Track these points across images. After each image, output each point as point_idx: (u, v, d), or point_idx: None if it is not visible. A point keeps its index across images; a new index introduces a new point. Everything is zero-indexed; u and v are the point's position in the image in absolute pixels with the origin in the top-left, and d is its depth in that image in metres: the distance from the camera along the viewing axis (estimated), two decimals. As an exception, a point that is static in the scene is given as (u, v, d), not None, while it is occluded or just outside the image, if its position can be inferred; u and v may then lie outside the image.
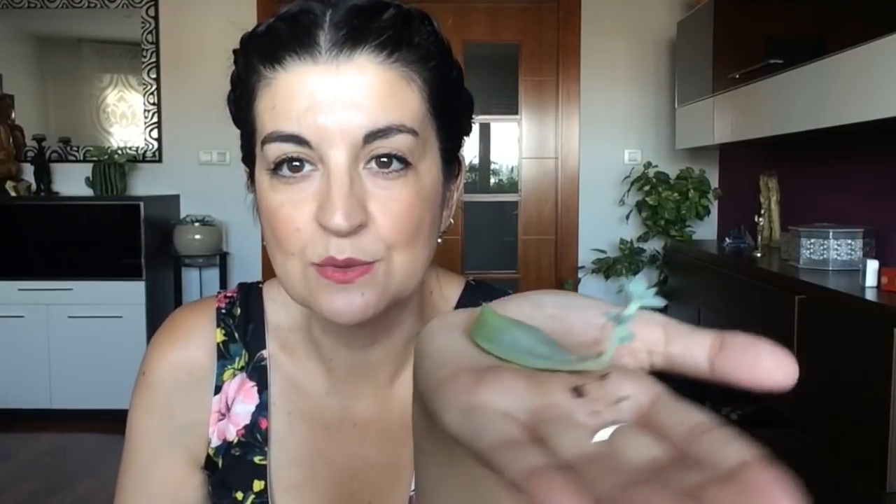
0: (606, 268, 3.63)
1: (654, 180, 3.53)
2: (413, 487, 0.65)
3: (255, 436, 0.68)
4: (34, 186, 3.72)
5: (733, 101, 2.78)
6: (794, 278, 2.11)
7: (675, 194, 3.46)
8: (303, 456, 0.68)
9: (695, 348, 0.29)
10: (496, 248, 3.98)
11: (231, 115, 0.62)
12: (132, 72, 3.80)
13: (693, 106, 3.21)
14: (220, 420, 0.68)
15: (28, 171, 3.75)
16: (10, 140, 3.71)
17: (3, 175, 3.64)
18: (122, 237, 3.46)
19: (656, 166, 3.62)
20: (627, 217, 3.72)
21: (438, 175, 0.59)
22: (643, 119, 3.79)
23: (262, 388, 0.68)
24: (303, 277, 0.56)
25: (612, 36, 3.74)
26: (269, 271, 0.59)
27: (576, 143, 3.78)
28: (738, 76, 2.67)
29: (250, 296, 0.72)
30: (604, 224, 3.78)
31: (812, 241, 2.25)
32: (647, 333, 0.30)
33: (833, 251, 2.20)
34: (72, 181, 3.78)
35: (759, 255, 2.66)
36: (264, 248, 0.60)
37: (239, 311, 0.71)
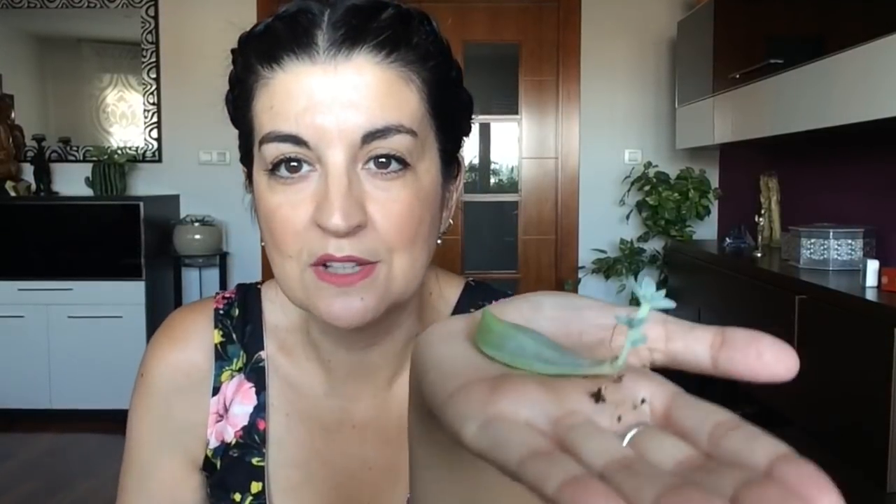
0: (607, 268, 3.63)
1: (655, 180, 3.53)
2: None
3: (253, 437, 0.68)
4: (34, 186, 3.72)
5: (733, 101, 2.78)
6: (794, 278, 2.11)
7: (676, 194, 3.46)
8: (301, 457, 0.68)
9: (696, 344, 0.29)
10: (496, 248, 3.98)
11: (229, 116, 0.62)
12: (132, 72, 3.80)
13: (693, 106, 3.21)
14: (217, 421, 0.68)
15: (28, 171, 3.75)
16: (10, 140, 3.71)
17: (3, 175, 3.64)
18: (122, 237, 3.45)
19: (656, 166, 3.62)
20: (627, 217, 3.72)
21: (437, 176, 0.58)
22: (643, 119, 3.78)
23: (260, 389, 0.68)
24: (301, 280, 0.55)
25: (613, 36, 3.74)
26: (269, 272, 0.59)
27: (576, 143, 3.78)
28: (738, 76, 2.67)
29: (248, 297, 0.71)
30: (604, 224, 3.78)
31: (812, 241, 2.24)
32: (648, 331, 0.30)
33: (833, 251, 2.20)
34: (72, 181, 3.78)
35: (759, 255, 2.66)
36: (264, 249, 0.59)
37: (237, 311, 0.70)
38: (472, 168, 3.89)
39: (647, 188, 3.56)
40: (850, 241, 2.20)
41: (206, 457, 0.68)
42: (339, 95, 0.52)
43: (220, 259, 3.70)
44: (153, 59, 3.77)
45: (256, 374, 0.68)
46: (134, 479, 0.69)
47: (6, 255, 3.48)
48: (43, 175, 3.70)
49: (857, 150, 2.48)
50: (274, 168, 0.54)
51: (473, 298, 0.71)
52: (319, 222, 0.52)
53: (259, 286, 0.72)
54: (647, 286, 0.28)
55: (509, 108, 3.87)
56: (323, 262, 0.54)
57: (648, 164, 3.62)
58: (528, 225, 3.88)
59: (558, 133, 3.81)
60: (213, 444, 0.68)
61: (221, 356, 0.69)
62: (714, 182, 3.69)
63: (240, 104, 0.58)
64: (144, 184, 3.82)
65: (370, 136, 0.53)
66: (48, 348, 3.45)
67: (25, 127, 3.79)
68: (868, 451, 1.69)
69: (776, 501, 0.20)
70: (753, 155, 3.31)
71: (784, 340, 0.27)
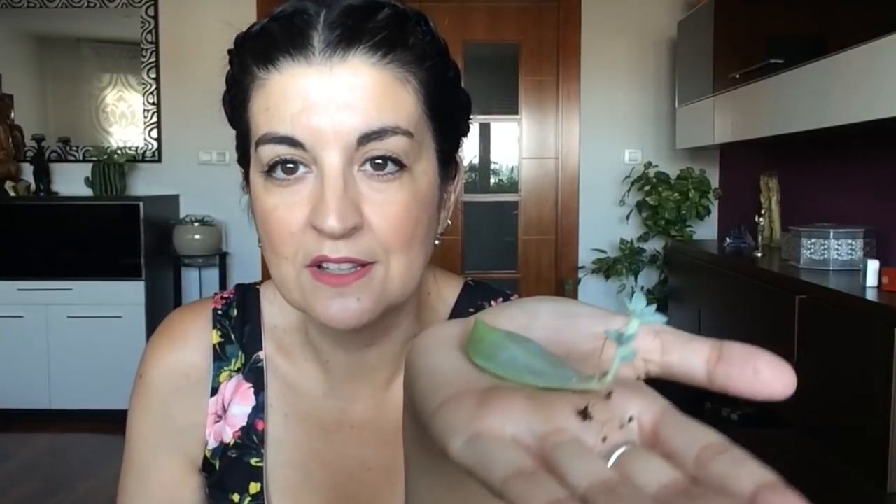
0: (607, 268, 3.63)
1: (655, 180, 3.53)
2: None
3: (251, 437, 0.67)
4: (33, 186, 3.72)
5: (734, 101, 2.78)
6: (794, 278, 2.11)
7: (676, 194, 3.46)
8: (299, 458, 0.68)
9: (692, 358, 0.28)
10: (496, 248, 3.98)
11: (226, 116, 0.61)
12: (132, 72, 3.80)
13: (693, 106, 3.21)
14: (216, 422, 0.68)
15: (27, 171, 3.75)
16: (10, 140, 3.71)
17: (3, 175, 3.64)
18: (122, 237, 3.45)
19: (656, 166, 3.62)
20: (628, 217, 3.72)
21: (435, 177, 0.58)
22: (643, 119, 3.78)
23: (259, 389, 0.68)
24: (297, 281, 0.55)
25: (613, 36, 3.74)
26: (268, 272, 0.59)
27: (576, 143, 3.77)
28: (738, 76, 2.66)
29: (247, 297, 0.71)
30: (604, 224, 3.77)
31: (812, 241, 2.24)
32: (643, 342, 0.29)
33: (833, 251, 2.20)
34: (71, 181, 3.78)
35: (759, 255, 2.66)
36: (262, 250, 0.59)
37: (235, 312, 0.70)
38: (472, 168, 3.89)
39: (647, 188, 3.55)
40: (850, 241, 2.20)
41: (205, 457, 0.68)
42: (335, 97, 0.52)
43: (219, 259, 3.71)
44: (153, 59, 3.77)
45: (255, 375, 0.68)
46: (133, 480, 0.69)
47: (6, 255, 3.48)
48: (42, 175, 3.70)
49: (857, 150, 2.48)
50: (270, 169, 0.54)
51: (472, 298, 0.71)
52: (315, 224, 0.52)
53: (257, 286, 0.72)
54: (637, 301, 0.28)
55: (509, 107, 3.86)
56: (318, 264, 0.53)
57: (648, 164, 3.62)
58: (528, 225, 3.88)
59: (558, 133, 3.81)
60: (212, 444, 0.68)
61: (220, 356, 0.69)
62: (714, 182, 3.68)
63: (236, 105, 0.58)
64: (144, 184, 3.82)
65: (366, 138, 0.52)
66: (48, 348, 3.45)
67: (25, 127, 3.79)
68: (868, 451, 1.69)
69: None
70: (753, 155, 3.30)
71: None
